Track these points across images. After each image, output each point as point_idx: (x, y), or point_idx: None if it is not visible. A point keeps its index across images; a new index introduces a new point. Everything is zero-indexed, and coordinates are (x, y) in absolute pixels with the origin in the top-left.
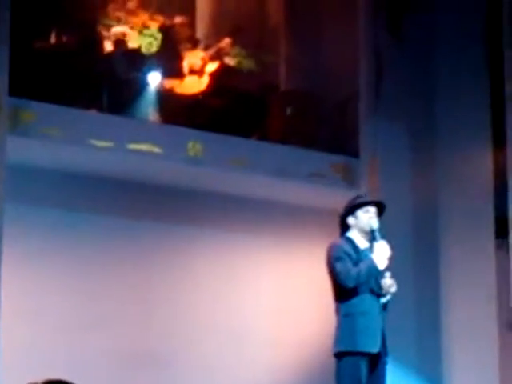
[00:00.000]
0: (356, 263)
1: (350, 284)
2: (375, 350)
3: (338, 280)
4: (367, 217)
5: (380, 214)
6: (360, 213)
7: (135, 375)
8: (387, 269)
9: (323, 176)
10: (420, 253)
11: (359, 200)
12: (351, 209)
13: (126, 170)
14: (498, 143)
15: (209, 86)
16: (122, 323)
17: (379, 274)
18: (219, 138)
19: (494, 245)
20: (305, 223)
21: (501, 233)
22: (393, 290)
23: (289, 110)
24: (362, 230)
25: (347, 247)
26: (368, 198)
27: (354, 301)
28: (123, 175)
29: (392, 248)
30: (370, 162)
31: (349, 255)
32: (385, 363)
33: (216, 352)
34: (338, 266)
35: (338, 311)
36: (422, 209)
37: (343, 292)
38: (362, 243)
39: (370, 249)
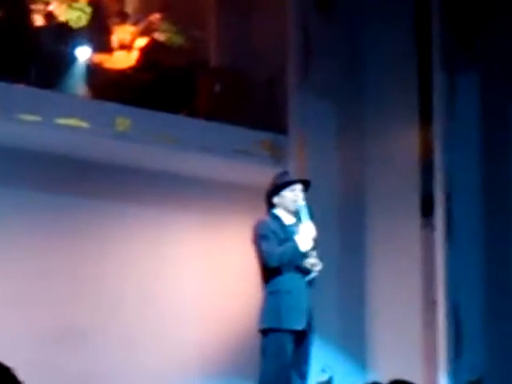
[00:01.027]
0: (283, 241)
1: (273, 264)
2: (300, 327)
3: (262, 259)
4: (292, 196)
5: (305, 190)
6: (285, 192)
7: (61, 349)
8: (313, 248)
9: (251, 153)
10: (346, 230)
11: (284, 179)
12: (276, 188)
13: (53, 144)
14: (425, 121)
15: (138, 61)
16: (46, 298)
17: (303, 255)
18: (147, 114)
19: (420, 223)
20: (232, 200)
21: (426, 211)
22: (317, 268)
23: (217, 87)
24: (287, 209)
25: (273, 225)
26: (292, 177)
27: (280, 279)
28: (51, 150)
29: (318, 224)
30: (298, 139)
31: (275, 233)
32: (310, 340)
33: (142, 327)
34: (263, 245)
35: (264, 288)
36: (348, 186)
37: (269, 270)
38: (288, 219)
39: (297, 225)
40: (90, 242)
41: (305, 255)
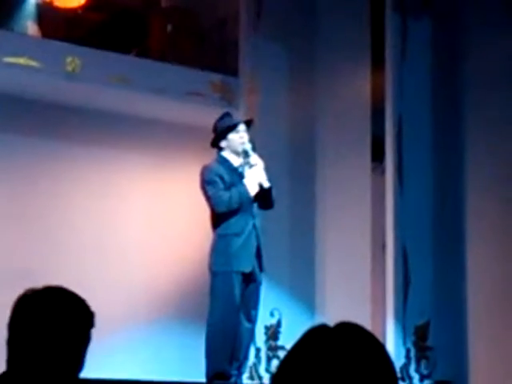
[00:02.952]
0: (231, 184)
1: (221, 209)
2: (248, 269)
3: (209, 204)
4: (238, 138)
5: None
6: (231, 135)
7: (11, 293)
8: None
9: (202, 94)
10: (296, 174)
11: (228, 122)
12: (222, 132)
13: (2, 83)
14: (377, 65)
15: (88, 0)
16: None
17: (251, 199)
18: (98, 54)
19: (370, 168)
20: (183, 142)
21: (377, 155)
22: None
23: (169, 27)
24: (235, 151)
25: (221, 168)
26: (236, 119)
27: (229, 222)
28: (0, 89)
29: (268, 168)
30: (249, 81)
31: (221, 177)
32: (259, 283)
33: (90, 271)
34: (210, 190)
35: (213, 231)
36: (299, 129)
37: (217, 214)
38: (236, 161)
39: (245, 165)
40: (39, 183)
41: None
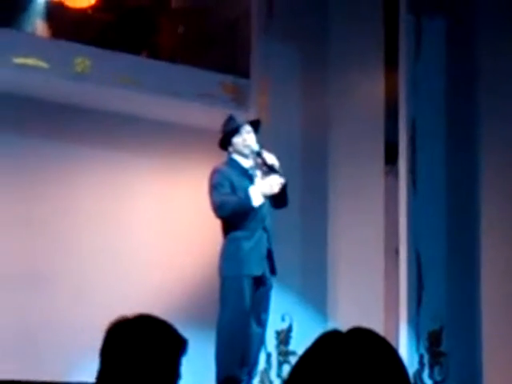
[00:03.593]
0: (240, 187)
1: (222, 214)
2: (259, 272)
3: (213, 209)
4: (241, 141)
5: (256, 130)
6: (235, 139)
7: (18, 294)
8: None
9: (213, 96)
10: (308, 176)
11: (230, 126)
12: (226, 137)
13: (11, 84)
14: (391, 66)
15: (99, 0)
16: (2, 244)
17: (254, 209)
18: (108, 55)
19: (383, 170)
20: (194, 143)
21: (390, 158)
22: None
23: (180, 28)
24: (241, 153)
25: (230, 171)
26: (239, 121)
27: (239, 225)
28: (8, 89)
29: (280, 169)
30: (261, 83)
31: (230, 180)
32: (270, 285)
33: (101, 274)
34: (214, 194)
35: (223, 234)
36: (311, 131)
37: (225, 217)
38: (246, 163)
39: (255, 168)
40: (47, 184)
41: (257, 209)
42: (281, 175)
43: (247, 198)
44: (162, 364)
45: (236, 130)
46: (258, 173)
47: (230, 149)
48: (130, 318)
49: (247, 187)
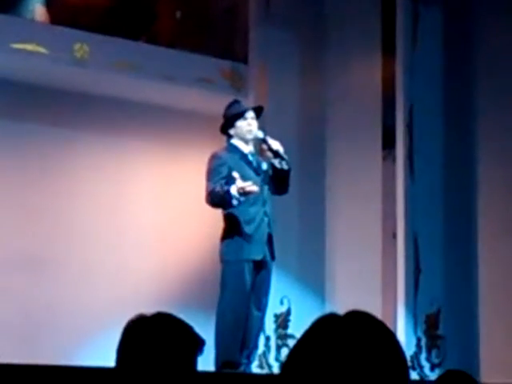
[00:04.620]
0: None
1: (209, 203)
2: (259, 257)
3: (204, 195)
4: (246, 125)
5: (258, 117)
6: (239, 122)
7: (20, 279)
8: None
9: (211, 81)
10: (306, 162)
11: (236, 110)
12: (229, 120)
13: (10, 69)
14: (388, 52)
15: None
16: (4, 228)
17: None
18: (106, 40)
19: (381, 155)
20: (192, 129)
21: (387, 143)
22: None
23: (178, 13)
24: (244, 139)
25: (229, 156)
26: (244, 106)
27: (239, 210)
28: (7, 75)
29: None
30: (259, 68)
31: (228, 166)
32: (270, 271)
33: (99, 259)
34: (208, 182)
35: (224, 219)
36: (309, 117)
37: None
38: (246, 148)
39: (255, 153)
40: (48, 170)
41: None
42: (286, 161)
43: (229, 197)
44: (178, 363)
45: (241, 114)
46: (236, 174)
47: (232, 132)
48: (147, 316)
49: (245, 173)
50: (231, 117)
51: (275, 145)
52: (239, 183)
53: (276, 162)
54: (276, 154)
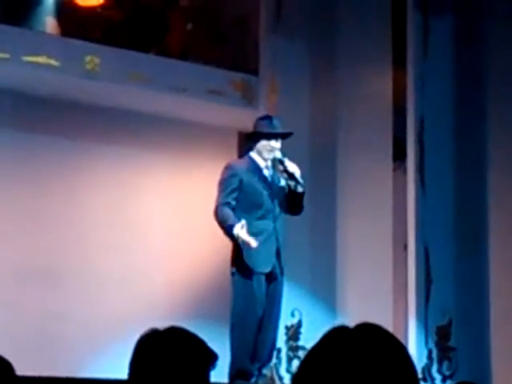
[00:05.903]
0: (247, 184)
1: (215, 218)
2: (268, 269)
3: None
4: (268, 146)
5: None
6: (263, 141)
7: (33, 289)
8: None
9: (222, 93)
10: (317, 173)
11: (266, 129)
12: (257, 136)
13: (21, 82)
14: (399, 63)
15: None
16: (13, 239)
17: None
18: (117, 52)
19: (392, 167)
20: (203, 140)
21: (398, 155)
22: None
23: (189, 26)
24: (262, 156)
25: (244, 167)
26: (275, 127)
27: (250, 224)
28: (19, 88)
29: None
30: (270, 80)
31: (240, 178)
32: (280, 282)
33: (111, 268)
34: (218, 193)
35: None
36: (320, 128)
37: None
38: (262, 163)
39: (270, 168)
40: (59, 182)
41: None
42: (301, 184)
43: (230, 232)
44: (190, 377)
45: (267, 136)
46: (243, 222)
47: (253, 146)
48: (160, 330)
49: (256, 188)
50: (259, 134)
51: (292, 167)
52: (242, 233)
53: (292, 184)
54: (291, 176)
